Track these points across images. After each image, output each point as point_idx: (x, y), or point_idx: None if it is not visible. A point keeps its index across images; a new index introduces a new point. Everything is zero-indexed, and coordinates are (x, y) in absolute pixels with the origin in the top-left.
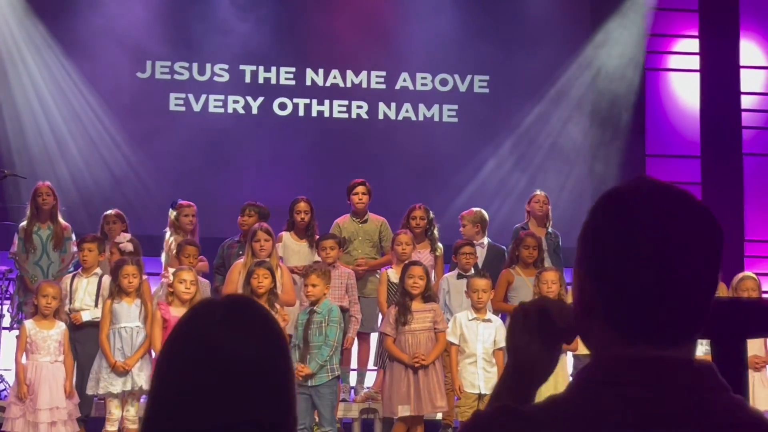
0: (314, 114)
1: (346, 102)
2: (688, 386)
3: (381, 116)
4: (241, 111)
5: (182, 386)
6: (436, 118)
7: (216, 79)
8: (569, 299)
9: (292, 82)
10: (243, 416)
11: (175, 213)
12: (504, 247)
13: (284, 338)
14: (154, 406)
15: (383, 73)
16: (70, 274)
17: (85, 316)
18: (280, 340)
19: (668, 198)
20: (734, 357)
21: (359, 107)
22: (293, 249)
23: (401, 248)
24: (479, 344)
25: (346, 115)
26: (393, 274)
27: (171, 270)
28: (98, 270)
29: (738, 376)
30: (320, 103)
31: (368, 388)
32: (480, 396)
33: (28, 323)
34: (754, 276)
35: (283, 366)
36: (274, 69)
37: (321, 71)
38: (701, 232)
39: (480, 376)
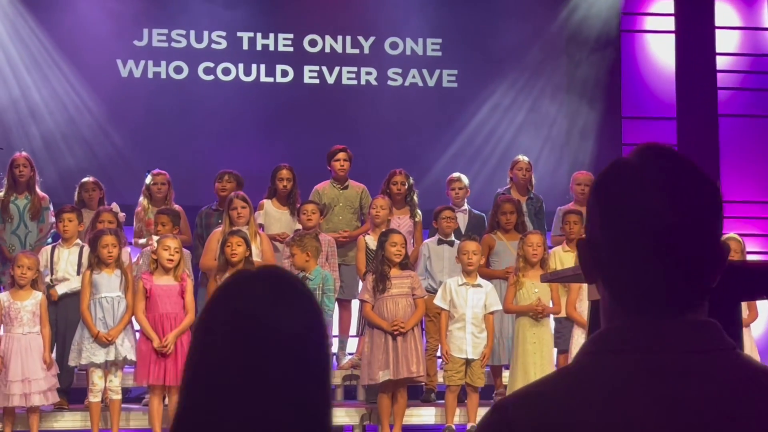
0: (291, 79)
1: (324, 68)
2: (696, 347)
3: (362, 82)
4: (221, 78)
5: (224, 358)
6: (420, 84)
7: (194, 45)
8: (551, 264)
9: (270, 49)
10: (287, 391)
11: (149, 180)
12: (483, 214)
13: (322, 312)
14: (195, 376)
15: (360, 38)
16: (50, 245)
17: (61, 289)
18: (319, 313)
19: (661, 165)
20: (729, 319)
21: (335, 72)
22: (275, 216)
23: (375, 211)
24: (468, 309)
25: (318, 81)
26: (371, 240)
27: (155, 237)
28: (79, 240)
29: (734, 337)
30: (298, 69)
31: (350, 354)
32: (467, 361)
33: (4, 295)
34: (738, 237)
35: (324, 337)
36: (249, 35)
37: (298, 36)
38: (704, 202)
39: (468, 341)
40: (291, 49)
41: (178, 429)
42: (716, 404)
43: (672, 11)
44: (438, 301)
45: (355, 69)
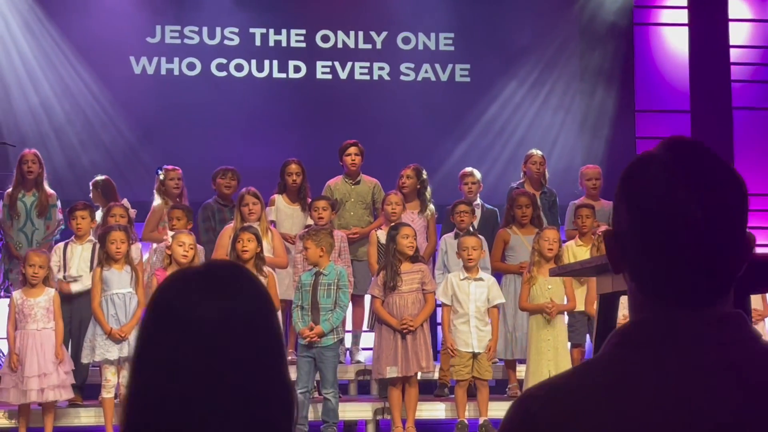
0: (303, 75)
1: (337, 63)
2: (721, 339)
3: (375, 77)
4: (234, 74)
5: (162, 351)
6: (432, 78)
7: (207, 42)
8: (564, 258)
9: (283, 44)
10: (227, 379)
11: (161, 177)
12: (496, 209)
13: (263, 293)
14: (136, 371)
15: (373, 33)
16: (63, 243)
17: (75, 288)
18: (256, 294)
19: (686, 159)
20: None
21: (347, 68)
22: (286, 212)
23: (390, 208)
24: (471, 303)
25: (330, 76)
26: (383, 235)
27: (170, 233)
28: (92, 237)
29: None
30: (311, 64)
31: (364, 349)
32: (474, 354)
33: (17, 293)
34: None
35: (261, 320)
36: (262, 31)
37: (310, 32)
38: (730, 196)
39: (473, 335)
40: (303, 44)
41: (126, 420)
42: (741, 396)
43: (685, 4)
44: (440, 296)
45: (367, 64)
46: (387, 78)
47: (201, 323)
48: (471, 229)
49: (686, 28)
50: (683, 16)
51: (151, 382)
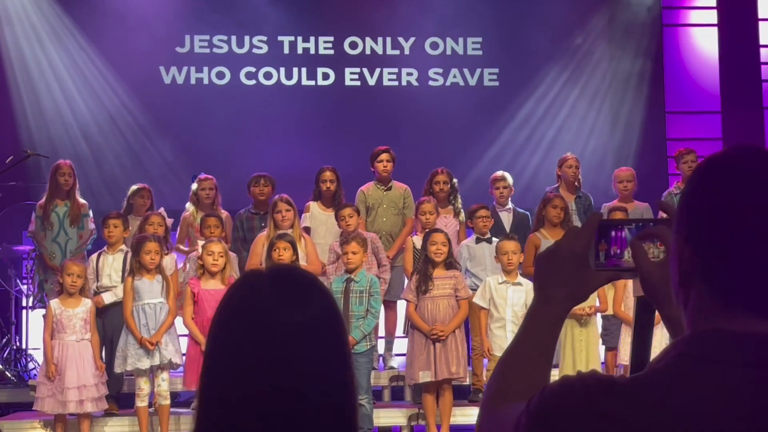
0: (332, 82)
1: (362, 69)
2: None
3: (404, 83)
4: (263, 82)
5: (236, 353)
6: (461, 83)
7: (236, 51)
8: None
9: (311, 52)
10: (299, 378)
11: (195, 186)
12: (527, 213)
13: (333, 301)
14: (210, 374)
15: (400, 40)
16: (96, 254)
17: (107, 299)
18: (329, 302)
19: None
20: None
21: (375, 74)
22: (320, 219)
23: (425, 218)
24: (508, 308)
25: (359, 83)
26: (418, 240)
27: (200, 242)
28: (123, 246)
29: None
30: (339, 71)
31: (397, 355)
32: None
33: (54, 303)
34: None
35: (335, 327)
36: (290, 39)
37: (338, 39)
38: None
39: (509, 340)
40: (332, 51)
41: (200, 422)
42: None
43: (714, 4)
44: (477, 299)
45: (395, 70)
46: (416, 84)
47: (283, 325)
48: (506, 232)
49: (716, 29)
50: (712, 16)
51: (219, 381)
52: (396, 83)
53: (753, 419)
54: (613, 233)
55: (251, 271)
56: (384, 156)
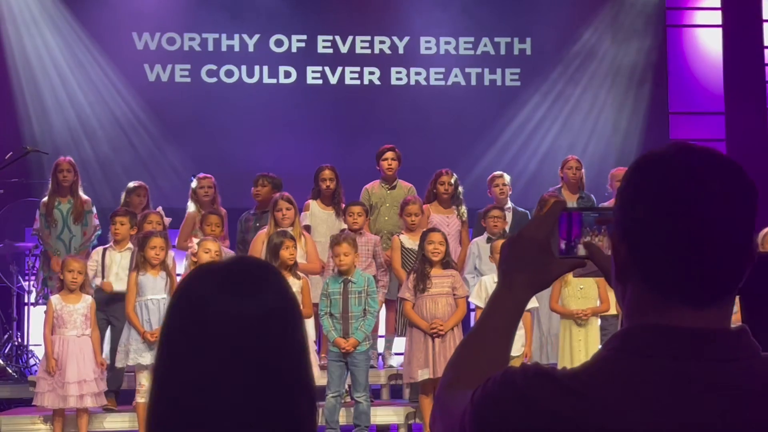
0: (334, 81)
1: (369, 68)
2: (722, 356)
3: (412, 82)
4: (266, 80)
5: (183, 347)
6: (462, 83)
7: (237, 49)
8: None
9: (319, 51)
10: (247, 374)
11: (195, 184)
12: (527, 212)
13: (290, 292)
14: (157, 370)
15: (407, 39)
16: (101, 248)
17: (117, 286)
18: (284, 294)
19: (700, 158)
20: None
21: (372, 73)
22: (320, 217)
23: (411, 219)
24: None
25: (358, 82)
26: (405, 239)
27: (195, 240)
28: (131, 244)
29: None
30: (340, 70)
31: (396, 354)
32: None
33: (54, 298)
34: None
35: (290, 320)
36: (297, 37)
37: (340, 37)
38: (734, 192)
39: None
40: (338, 50)
41: (150, 420)
42: (737, 414)
43: (718, 5)
44: (473, 298)
45: (401, 69)
46: (424, 83)
47: (226, 318)
48: (504, 232)
49: (720, 30)
50: (717, 17)
51: (171, 375)
52: (403, 82)
53: (675, 410)
54: (575, 221)
55: (203, 264)
56: (389, 154)
